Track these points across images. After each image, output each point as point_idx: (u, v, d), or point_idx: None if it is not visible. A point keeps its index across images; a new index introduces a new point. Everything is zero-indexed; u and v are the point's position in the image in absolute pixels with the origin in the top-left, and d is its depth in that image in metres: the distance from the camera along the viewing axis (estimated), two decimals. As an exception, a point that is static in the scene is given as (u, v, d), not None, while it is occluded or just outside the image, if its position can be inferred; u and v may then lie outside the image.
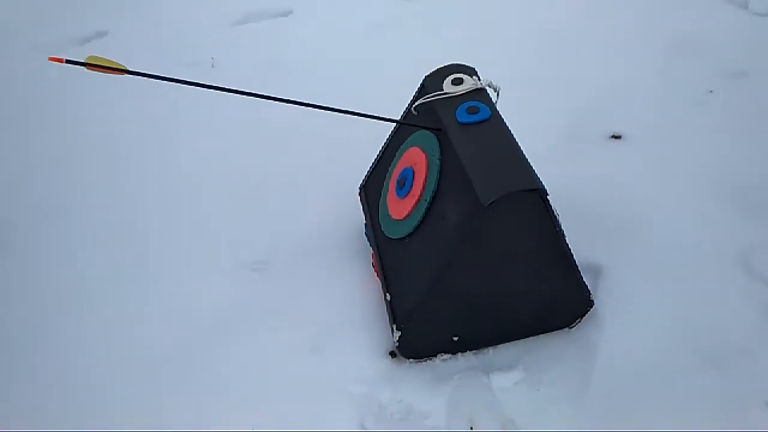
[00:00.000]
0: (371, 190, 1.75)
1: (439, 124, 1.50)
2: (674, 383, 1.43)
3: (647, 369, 1.47)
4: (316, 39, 2.73)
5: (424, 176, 1.50)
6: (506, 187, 1.30)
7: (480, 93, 1.54)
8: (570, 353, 1.51)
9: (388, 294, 1.52)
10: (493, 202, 1.28)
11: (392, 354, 1.53)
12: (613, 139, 2.09)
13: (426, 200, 1.47)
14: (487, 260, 1.39)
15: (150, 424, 1.44)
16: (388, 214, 1.60)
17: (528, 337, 1.54)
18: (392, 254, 1.56)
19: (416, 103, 1.58)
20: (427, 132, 1.54)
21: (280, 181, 2.02)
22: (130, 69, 1.18)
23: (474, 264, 1.39)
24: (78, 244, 1.90)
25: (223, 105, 2.15)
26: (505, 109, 1.53)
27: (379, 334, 1.57)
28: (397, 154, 1.67)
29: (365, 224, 1.73)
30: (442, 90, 1.55)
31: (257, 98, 1.36)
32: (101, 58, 1.14)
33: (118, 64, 1.15)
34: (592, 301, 1.52)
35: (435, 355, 1.52)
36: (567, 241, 1.41)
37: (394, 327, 1.47)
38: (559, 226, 1.38)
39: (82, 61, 1.13)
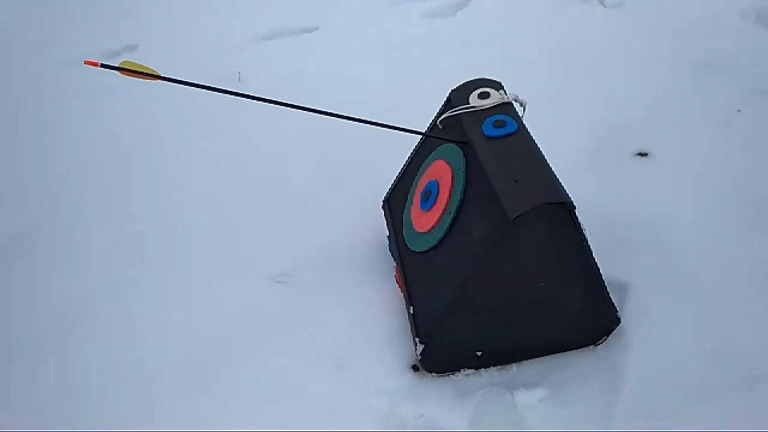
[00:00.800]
0: (395, 203, 1.74)
1: (465, 137, 1.50)
2: (703, 403, 1.40)
3: (675, 388, 1.44)
4: (341, 54, 2.75)
5: (449, 189, 1.50)
6: (533, 200, 1.29)
7: (507, 107, 1.54)
8: (596, 371, 1.48)
9: (411, 307, 1.51)
10: (520, 215, 1.27)
11: (415, 368, 1.52)
12: (640, 156, 2.07)
13: (451, 213, 1.46)
14: (513, 274, 1.38)
15: (170, 435, 1.44)
16: (412, 227, 1.60)
17: (553, 353, 1.51)
18: (416, 267, 1.55)
19: (443, 117, 1.58)
20: (453, 145, 1.54)
21: (304, 193, 2.03)
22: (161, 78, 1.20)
23: (499, 278, 1.38)
24: (101, 253, 1.92)
25: (249, 118, 2.18)
26: (531, 125, 1.52)
27: (402, 347, 1.56)
28: (421, 167, 1.66)
29: (388, 237, 1.72)
30: (469, 104, 1.55)
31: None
32: (135, 63, 1.16)
33: (151, 69, 1.16)
34: (619, 318, 1.50)
35: (458, 370, 1.50)
36: (594, 257, 1.39)
37: (417, 341, 1.46)
38: (586, 241, 1.36)
39: (117, 65, 1.14)
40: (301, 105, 1.39)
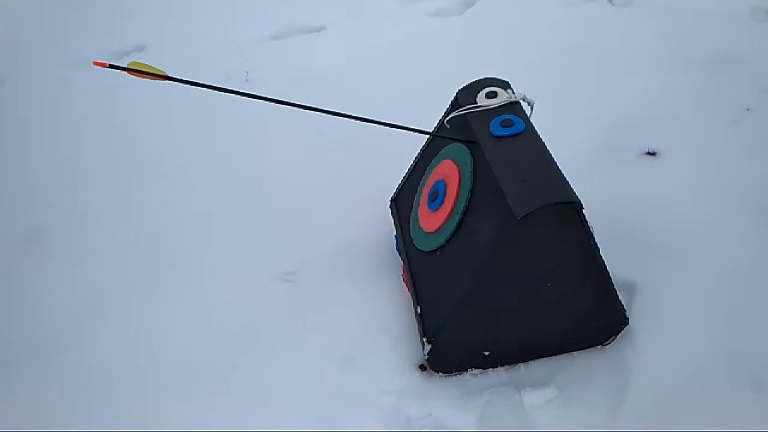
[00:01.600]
0: (402, 203, 1.74)
1: (473, 137, 1.49)
2: (711, 404, 1.40)
3: (683, 389, 1.43)
4: (348, 54, 2.75)
5: (456, 189, 1.50)
6: (541, 200, 1.28)
7: (514, 106, 1.53)
8: (604, 371, 1.48)
9: (418, 307, 1.51)
10: (527, 214, 1.27)
11: (422, 367, 1.52)
12: (648, 155, 2.06)
13: (458, 213, 1.46)
14: (521, 274, 1.37)
15: (177, 432, 1.44)
16: (420, 227, 1.59)
17: (561, 353, 1.51)
18: (423, 267, 1.55)
19: (450, 116, 1.58)
20: (460, 145, 1.54)
21: (311, 193, 2.03)
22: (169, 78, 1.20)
23: (507, 278, 1.37)
24: (109, 253, 1.92)
25: (257, 118, 2.18)
26: (539, 124, 1.52)
27: (409, 347, 1.56)
28: (428, 167, 1.66)
29: (396, 237, 1.72)
30: (476, 103, 1.55)
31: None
32: (143, 64, 1.16)
33: (159, 70, 1.17)
34: (627, 318, 1.49)
35: (465, 370, 1.50)
36: (602, 257, 1.39)
37: (425, 340, 1.45)
38: (594, 240, 1.36)
39: (125, 66, 1.15)
40: (309, 105, 1.39)
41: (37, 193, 2.18)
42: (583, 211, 1.32)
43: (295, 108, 1.38)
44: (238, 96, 1.32)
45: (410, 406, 1.46)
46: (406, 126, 1.49)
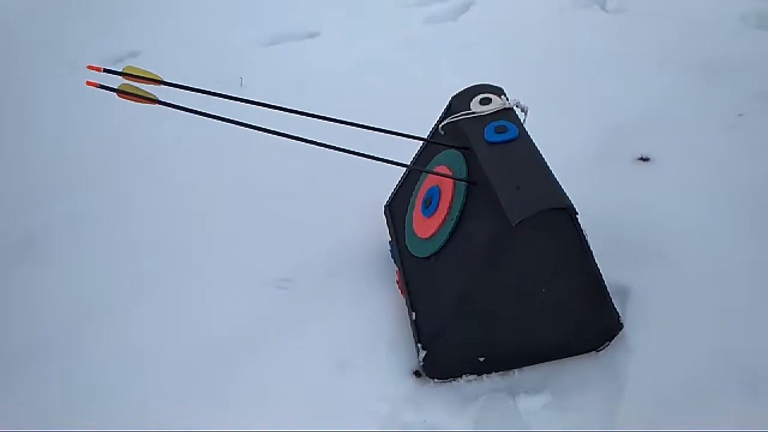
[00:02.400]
0: (396, 209, 1.74)
1: (467, 143, 1.50)
2: (705, 408, 1.40)
3: (677, 394, 1.44)
4: (343, 60, 2.75)
5: (450, 195, 1.50)
6: (535, 206, 1.29)
7: (508, 113, 1.54)
8: (598, 377, 1.48)
9: (413, 313, 1.51)
10: (521, 220, 1.27)
11: (417, 373, 1.52)
12: (641, 161, 2.07)
13: (453, 219, 1.47)
14: (515, 280, 1.38)
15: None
16: (414, 233, 1.60)
17: (555, 359, 1.51)
18: (418, 273, 1.55)
19: (444, 122, 1.59)
20: (455, 151, 1.54)
21: (305, 199, 2.03)
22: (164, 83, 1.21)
23: (501, 284, 1.38)
24: (103, 257, 1.92)
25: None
26: (532, 129, 1.52)
27: (403, 353, 1.56)
28: (423, 172, 1.67)
29: (390, 243, 1.73)
30: (470, 109, 1.55)
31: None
32: (138, 68, 1.16)
33: (154, 74, 1.17)
34: (622, 323, 1.50)
35: (460, 376, 1.50)
36: (596, 262, 1.39)
37: (420, 346, 1.46)
38: (588, 245, 1.36)
39: (120, 71, 1.15)
40: (303, 110, 1.40)
41: (35, 195, 2.18)
42: (577, 216, 1.32)
43: (289, 113, 1.38)
44: (234, 101, 1.32)
45: (405, 412, 1.45)
46: (400, 132, 1.50)
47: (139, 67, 1.21)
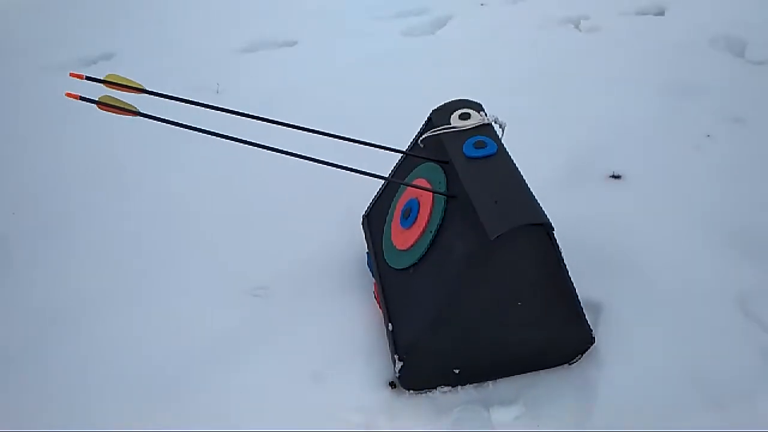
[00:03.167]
0: (375, 220, 1.75)
1: (447, 156, 1.52)
2: (674, 422, 1.43)
3: (646, 407, 1.47)
4: (320, 70, 2.76)
5: (429, 208, 1.52)
6: (514, 221, 1.31)
7: (487, 128, 1.56)
8: (570, 389, 1.51)
9: (390, 324, 1.52)
10: (499, 235, 1.29)
11: (392, 384, 1.52)
12: (613, 179, 2.11)
13: (431, 231, 1.48)
14: (492, 294, 1.39)
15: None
16: (392, 244, 1.61)
17: (529, 372, 1.53)
18: (395, 284, 1.56)
19: (424, 136, 1.60)
20: (434, 164, 1.56)
21: (283, 208, 2.03)
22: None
23: (478, 297, 1.39)
24: (77, 264, 1.90)
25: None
26: (509, 146, 1.55)
27: (379, 364, 1.56)
28: (401, 185, 1.68)
29: (368, 254, 1.73)
30: (450, 124, 1.57)
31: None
32: (121, 77, 1.15)
33: (137, 83, 1.16)
34: (593, 337, 1.52)
35: (435, 387, 1.51)
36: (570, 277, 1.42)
37: (396, 358, 1.46)
38: (563, 261, 1.39)
39: (102, 78, 1.14)
40: (279, 120, 1.40)
41: (6, 199, 2.15)
42: (554, 232, 1.35)
43: (265, 123, 1.38)
44: (210, 109, 1.32)
45: (380, 422, 1.46)
46: (379, 144, 1.51)
47: (113, 72, 1.19)
